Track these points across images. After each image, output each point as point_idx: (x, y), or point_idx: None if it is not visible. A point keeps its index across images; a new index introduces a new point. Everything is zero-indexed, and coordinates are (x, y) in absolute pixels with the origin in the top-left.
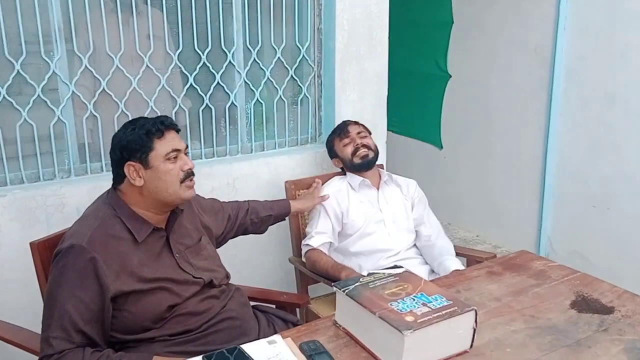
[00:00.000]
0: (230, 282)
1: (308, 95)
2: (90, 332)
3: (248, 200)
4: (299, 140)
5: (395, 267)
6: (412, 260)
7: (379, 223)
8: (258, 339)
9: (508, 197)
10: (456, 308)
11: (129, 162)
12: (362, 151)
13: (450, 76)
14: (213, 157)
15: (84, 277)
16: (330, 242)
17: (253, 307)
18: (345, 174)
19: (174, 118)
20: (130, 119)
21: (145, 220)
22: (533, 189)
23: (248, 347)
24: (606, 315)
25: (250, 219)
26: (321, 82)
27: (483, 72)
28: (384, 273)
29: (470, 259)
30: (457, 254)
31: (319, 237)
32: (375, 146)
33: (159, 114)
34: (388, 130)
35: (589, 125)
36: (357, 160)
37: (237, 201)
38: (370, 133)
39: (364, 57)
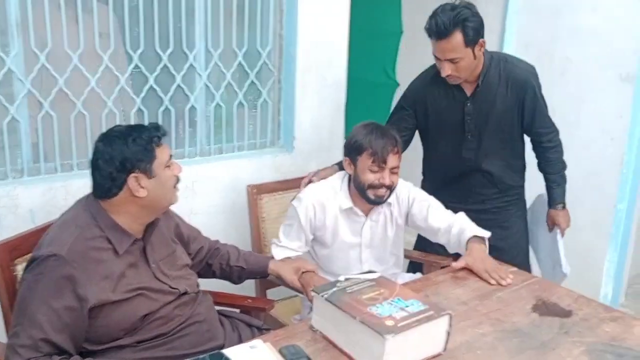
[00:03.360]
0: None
1: (268, 100)
2: (61, 342)
3: (227, 244)
4: (258, 144)
5: (370, 272)
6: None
7: (354, 247)
8: (224, 344)
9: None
10: (433, 312)
11: (132, 174)
12: (381, 192)
13: (399, 84)
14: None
15: (60, 287)
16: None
17: (217, 311)
18: (341, 176)
19: (132, 120)
20: (87, 118)
21: (126, 231)
22: None
23: (230, 352)
24: (566, 319)
25: (220, 262)
26: (281, 87)
27: None
28: (359, 278)
29: (427, 263)
30: (412, 259)
31: (283, 251)
32: (396, 185)
33: (118, 115)
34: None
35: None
36: (370, 194)
37: (215, 240)
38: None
39: (324, 65)
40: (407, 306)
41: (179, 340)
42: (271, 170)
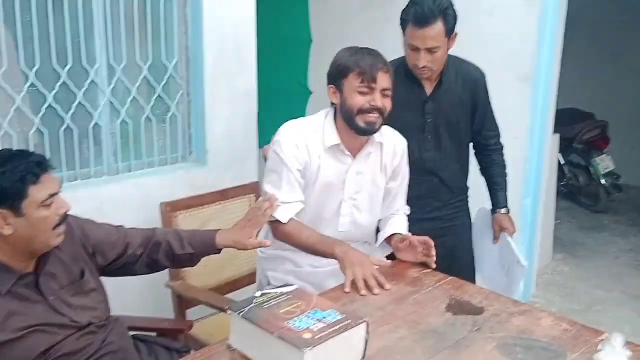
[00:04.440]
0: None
1: (177, 114)
2: None
3: (166, 232)
4: (169, 160)
5: (287, 285)
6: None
7: (335, 196)
8: None
9: None
10: (350, 321)
11: None
12: (373, 117)
13: (311, 92)
14: (76, 180)
15: None
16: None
17: (133, 337)
18: (324, 114)
19: (31, 141)
20: None
21: (9, 267)
22: None
23: None
24: (478, 316)
25: (165, 255)
26: (190, 100)
27: None
28: (276, 292)
29: None
30: None
31: (287, 208)
32: (388, 111)
33: (15, 137)
34: (259, 147)
35: None
36: (360, 121)
37: (151, 229)
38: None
39: (234, 75)
40: (324, 317)
41: None
42: (185, 185)
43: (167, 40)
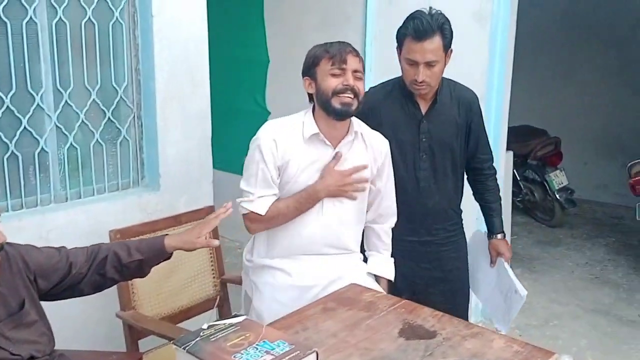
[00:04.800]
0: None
1: (128, 138)
2: None
3: (112, 245)
4: (120, 185)
5: (236, 315)
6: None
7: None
8: None
9: None
10: (298, 352)
11: None
12: (347, 97)
13: (270, 113)
14: (22, 208)
15: None
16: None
17: None
18: (302, 112)
19: None
20: None
21: None
22: None
23: None
24: (430, 340)
25: (113, 267)
26: (142, 123)
27: (300, 108)
28: (224, 323)
29: None
30: None
31: (263, 201)
32: (362, 94)
33: None
34: (215, 168)
35: None
36: (336, 103)
37: (97, 244)
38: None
39: (186, 97)
40: (272, 349)
41: None
42: (137, 211)
43: (116, 62)
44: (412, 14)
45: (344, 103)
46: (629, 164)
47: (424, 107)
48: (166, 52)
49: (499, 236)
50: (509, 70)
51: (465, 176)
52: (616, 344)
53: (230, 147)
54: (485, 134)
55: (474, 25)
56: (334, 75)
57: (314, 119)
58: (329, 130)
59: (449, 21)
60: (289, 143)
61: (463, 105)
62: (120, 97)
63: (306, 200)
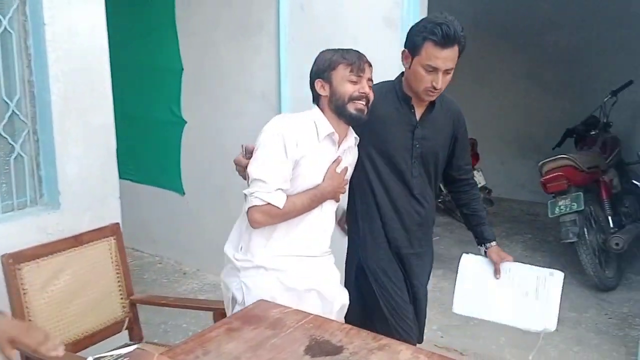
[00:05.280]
0: None
1: (23, 154)
2: None
3: None
4: (15, 205)
5: (126, 344)
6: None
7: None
8: None
9: None
10: None
11: None
12: (361, 103)
13: (186, 122)
14: None
15: None
16: None
17: None
18: (315, 107)
19: None
20: None
21: None
22: None
23: None
24: (336, 356)
25: None
26: (38, 138)
27: (217, 118)
28: (112, 355)
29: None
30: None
31: (280, 195)
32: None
33: None
34: (124, 179)
35: None
36: (351, 108)
37: None
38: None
39: (87, 110)
40: None
41: None
42: (35, 232)
43: (7, 75)
44: (433, 18)
45: (358, 109)
46: (540, 163)
47: (418, 113)
48: (62, 62)
49: (494, 243)
50: None
51: (447, 188)
52: (534, 340)
53: (143, 157)
54: (468, 144)
55: (385, 31)
56: (351, 81)
57: (327, 118)
58: (337, 131)
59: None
60: (306, 140)
61: (452, 114)
62: (13, 111)
63: (317, 199)
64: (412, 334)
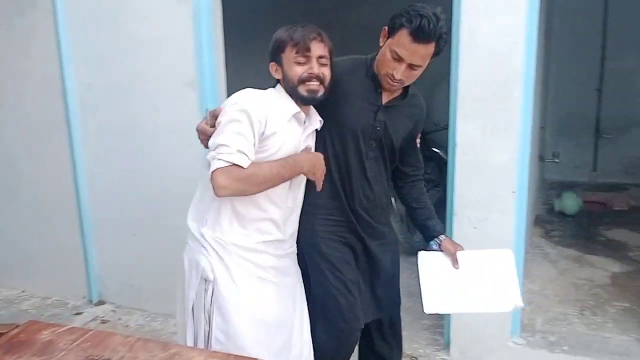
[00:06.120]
0: None
1: None
2: None
3: None
4: None
5: None
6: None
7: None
8: None
9: (49, 241)
10: None
11: None
12: (313, 84)
13: None
14: None
15: None
16: None
17: None
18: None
19: None
20: None
21: None
22: (72, 227)
23: None
24: None
25: None
26: None
27: None
28: None
29: None
30: None
31: (243, 156)
32: (329, 80)
33: None
34: None
35: (111, 155)
36: (302, 90)
37: None
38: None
39: None
40: None
41: None
42: None
43: None
44: (420, 7)
45: (310, 90)
46: None
47: (385, 97)
48: None
49: (445, 235)
50: (219, 54)
51: (396, 186)
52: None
53: None
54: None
55: (177, 9)
56: (298, 63)
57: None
58: (302, 110)
59: (448, 32)
60: (275, 116)
61: (416, 109)
62: None
63: (290, 168)
64: (352, 298)
